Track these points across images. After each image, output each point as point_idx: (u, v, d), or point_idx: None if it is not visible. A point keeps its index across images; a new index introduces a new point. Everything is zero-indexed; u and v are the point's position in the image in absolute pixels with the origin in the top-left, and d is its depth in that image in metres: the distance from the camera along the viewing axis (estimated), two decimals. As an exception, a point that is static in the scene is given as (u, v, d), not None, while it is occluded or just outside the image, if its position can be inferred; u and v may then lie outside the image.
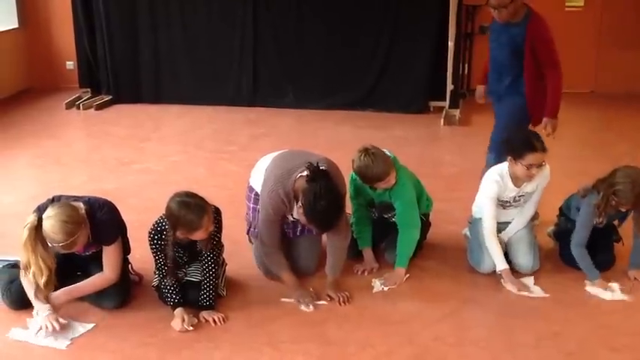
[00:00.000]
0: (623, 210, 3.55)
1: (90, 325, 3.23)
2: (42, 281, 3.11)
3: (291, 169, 3.38)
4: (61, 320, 3.14)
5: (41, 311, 3.16)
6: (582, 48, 8.13)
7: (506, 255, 3.68)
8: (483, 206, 3.69)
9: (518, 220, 3.79)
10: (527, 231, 3.78)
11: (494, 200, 3.66)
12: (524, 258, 3.68)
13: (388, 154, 3.68)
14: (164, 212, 3.24)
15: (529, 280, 3.62)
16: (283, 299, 3.45)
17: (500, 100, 4.14)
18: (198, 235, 3.18)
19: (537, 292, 3.53)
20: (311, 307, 3.37)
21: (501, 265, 3.60)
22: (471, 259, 3.78)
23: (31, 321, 3.20)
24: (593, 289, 3.52)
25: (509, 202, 3.73)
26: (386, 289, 3.53)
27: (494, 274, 3.67)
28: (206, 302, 3.28)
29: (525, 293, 3.51)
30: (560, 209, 3.91)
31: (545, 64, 3.92)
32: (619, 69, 8.05)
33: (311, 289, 3.50)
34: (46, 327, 3.09)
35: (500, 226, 3.74)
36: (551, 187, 3.77)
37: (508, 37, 3.92)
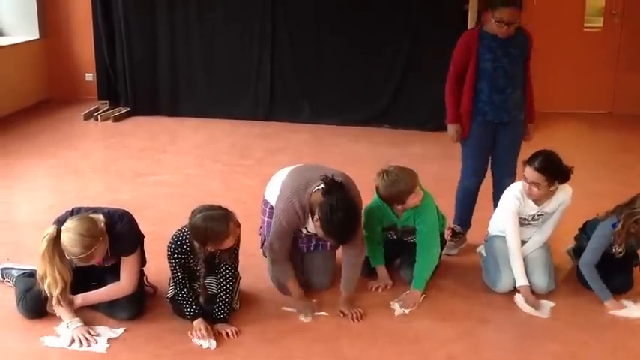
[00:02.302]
0: None
1: (120, 330, 3.26)
2: (56, 292, 3.14)
3: (308, 183, 3.39)
4: (92, 332, 3.20)
5: (71, 324, 3.20)
6: (600, 69, 8.12)
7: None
8: (506, 221, 3.69)
9: (535, 239, 3.77)
10: (543, 250, 3.77)
11: (516, 215, 3.66)
12: (540, 278, 3.66)
13: None
14: (184, 226, 3.26)
15: (547, 304, 3.59)
16: (284, 308, 3.46)
17: (512, 113, 4.05)
18: (228, 243, 3.21)
19: (542, 313, 3.50)
20: (310, 317, 3.38)
21: (522, 280, 3.59)
22: (487, 277, 3.77)
23: (60, 330, 3.23)
24: (616, 310, 3.50)
25: (528, 220, 3.71)
26: (407, 311, 3.50)
27: (509, 294, 3.65)
28: (220, 315, 3.28)
29: (529, 310, 3.50)
30: (584, 228, 3.87)
31: (528, 75, 4.10)
32: (637, 90, 8.00)
33: (314, 300, 3.51)
34: (79, 340, 3.14)
35: None
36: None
37: (518, 49, 3.96)
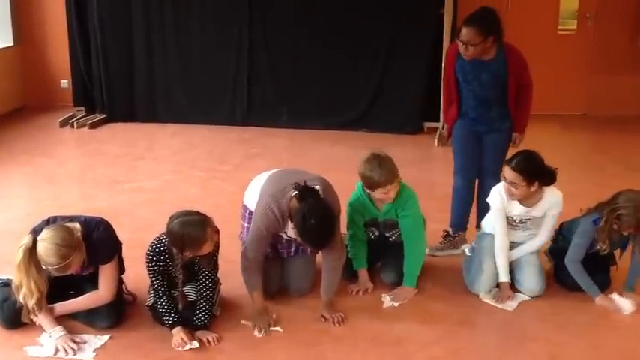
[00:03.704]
0: (625, 234, 3.57)
1: (105, 337, 3.23)
2: (32, 303, 3.09)
3: (286, 188, 3.38)
4: (77, 339, 3.17)
5: (54, 333, 3.17)
6: (574, 71, 8.22)
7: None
8: (492, 218, 3.76)
9: (528, 244, 3.78)
10: (534, 255, 3.79)
11: (503, 213, 3.70)
12: (532, 279, 3.69)
13: None
14: (162, 233, 3.24)
15: (519, 297, 3.67)
16: (242, 321, 3.40)
17: (490, 125, 4.12)
18: (206, 249, 3.19)
19: (507, 306, 3.58)
20: (263, 332, 3.30)
21: (504, 277, 3.66)
22: (467, 276, 3.80)
23: (43, 339, 3.19)
24: (603, 302, 3.57)
25: (515, 222, 3.74)
26: (396, 304, 3.55)
27: (490, 296, 3.69)
28: (201, 321, 3.26)
29: (490, 301, 3.61)
30: (560, 229, 3.90)
31: (524, 85, 4.05)
32: (611, 92, 8.12)
33: (274, 316, 3.43)
34: (64, 349, 3.11)
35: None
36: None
37: (489, 75, 3.94)
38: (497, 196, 3.71)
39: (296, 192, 3.29)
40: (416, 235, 3.72)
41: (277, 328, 3.36)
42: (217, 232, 3.29)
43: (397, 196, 3.63)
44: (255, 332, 3.31)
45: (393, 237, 3.83)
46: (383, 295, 3.62)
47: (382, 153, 3.61)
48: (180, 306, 3.30)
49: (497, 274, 3.71)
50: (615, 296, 3.60)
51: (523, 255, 3.77)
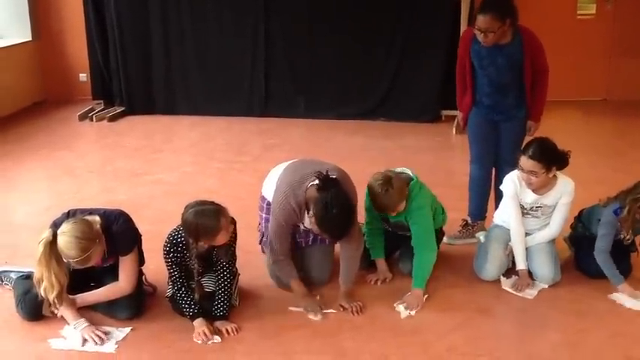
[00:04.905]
0: None
1: (127, 329, 3.26)
2: (52, 296, 3.13)
3: (303, 178, 3.38)
4: (102, 329, 3.21)
5: (78, 325, 3.20)
6: (594, 56, 8.12)
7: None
8: (507, 206, 3.74)
9: (542, 234, 3.75)
10: (547, 243, 3.76)
11: (516, 200, 3.69)
12: (546, 268, 3.66)
13: (410, 173, 3.67)
14: (179, 225, 3.26)
15: (538, 286, 3.65)
16: (291, 308, 3.44)
17: (507, 113, 4.08)
18: (221, 239, 3.20)
19: (527, 295, 3.57)
20: (319, 315, 3.36)
21: (522, 264, 3.65)
22: (475, 263, 3.80)
23: (66, 332, 3.23)
24: (618, 296, 3.51)
25: (527, 209, 3.72)
26: (413, 313, 3.44)
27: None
28: (220, 312, 3.29)
29: (510, 289, 3.60)
30: (579, 216, 3.89)
31: (540, 70, 3.99)
32: (631, 76, 8.02)
33: (318, 298, 3.50)
34: (92, 339, 3.15)
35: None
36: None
37: (506, 59, 3.90)
38: (510, 183, 3.70)
39: (315, 182, 3.29)
40: (425, 243, 3.63)
41: (331, 310, 3.40)
42: (234, 222, 3.30)
43: (407, 204, 3.59)
44: (311, 317, 3.35)
45: (406, 235, 3.79)
46: (396, 305, 3.50)
47: (393, 178, 3.50)
48: (196, 296, 3.31)
49: (503, 263, 3.73)
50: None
51: (536, 244, 3.74)
